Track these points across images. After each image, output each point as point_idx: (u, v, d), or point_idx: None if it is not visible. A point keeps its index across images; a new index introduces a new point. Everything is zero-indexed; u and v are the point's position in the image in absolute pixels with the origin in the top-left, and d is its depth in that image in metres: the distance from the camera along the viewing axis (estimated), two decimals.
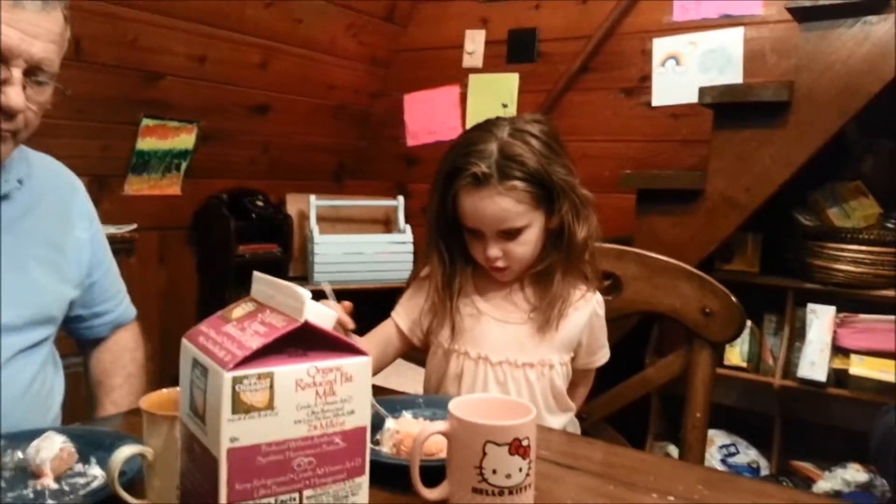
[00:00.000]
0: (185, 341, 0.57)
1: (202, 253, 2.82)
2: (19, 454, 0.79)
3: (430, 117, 3.12)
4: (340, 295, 1.00)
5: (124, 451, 0.67)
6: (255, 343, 0.52)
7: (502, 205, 1.10)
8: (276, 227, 2.81)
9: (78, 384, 1.24)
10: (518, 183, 1.10)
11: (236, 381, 0.51)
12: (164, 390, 0.73)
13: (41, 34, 0.93)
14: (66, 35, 0.99)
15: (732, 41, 2.45)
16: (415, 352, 1.28)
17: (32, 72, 0.94)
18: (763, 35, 2.40)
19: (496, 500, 0.70)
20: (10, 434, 0.85)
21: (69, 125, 2.19)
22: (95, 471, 0.79)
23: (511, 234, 1.13)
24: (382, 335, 1.24)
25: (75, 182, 1.21)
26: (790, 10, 1.88)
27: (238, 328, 0.56)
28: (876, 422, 1.54)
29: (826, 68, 1.82)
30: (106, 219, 1.25)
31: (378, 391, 1.06)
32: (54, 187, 1.15)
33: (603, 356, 1.25)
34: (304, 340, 0.54)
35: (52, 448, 0.76)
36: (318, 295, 0.75)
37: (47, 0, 0.93)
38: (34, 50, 0.92)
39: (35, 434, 0.81)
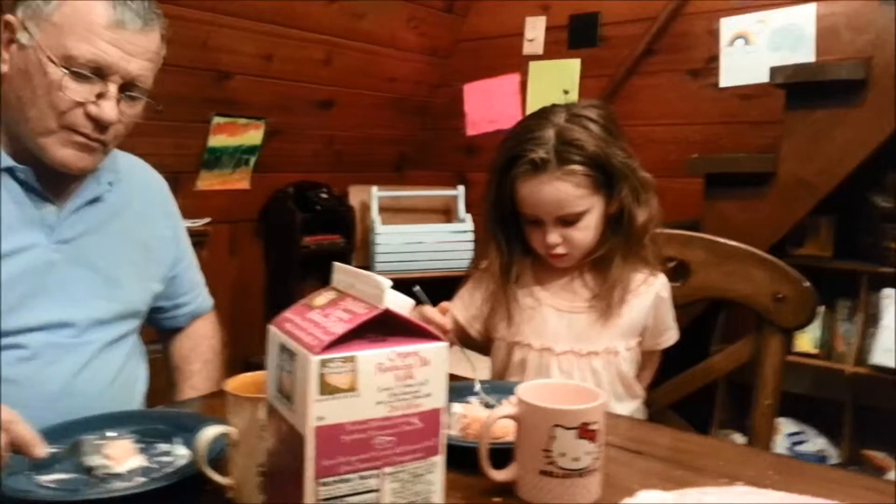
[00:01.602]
0: (272, 328, 0.61)
1: (269, 244, 2.90)
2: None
3: (490, 106, 3.12)
4: (403, 283, 1.02)
5: (211, 431, 0.69)
6: (340, 329, 0.55)
7: (562, 189, 1.10)
8: (340, 218, 2.88)
9: (158, 370, 1.30)
10: (577, 167, 1.09)
11: (323, 364, 0.54)
12: (247, 374, 0.77)
13: (139, 52, 0.98)
14: (161, 53, 1.04)
15: (804, 18, 2.36)
16: (473, 341, 1.29)
17: (127, 87, 0.99)
18: (837, 11, 2.30)
19: (563, 482, 0.71)
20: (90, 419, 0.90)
21: (147, 125, 2.27)
22: (180, 450, 0.82)
23: (570, 220, 1.12)
24: None
25: (160, 181, 1.27)
26: None
27: (322, 315, 0.59)
28: None
29: None
30: (181, 213, 1.31)
31: None
32: (141, 187, 1.20)
33: (670, 338, 1.23)
34: (383, 326, 0.57)
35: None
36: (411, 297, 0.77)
37: (147, 21, 0.98)
38: (131, 67, 0.98)
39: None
